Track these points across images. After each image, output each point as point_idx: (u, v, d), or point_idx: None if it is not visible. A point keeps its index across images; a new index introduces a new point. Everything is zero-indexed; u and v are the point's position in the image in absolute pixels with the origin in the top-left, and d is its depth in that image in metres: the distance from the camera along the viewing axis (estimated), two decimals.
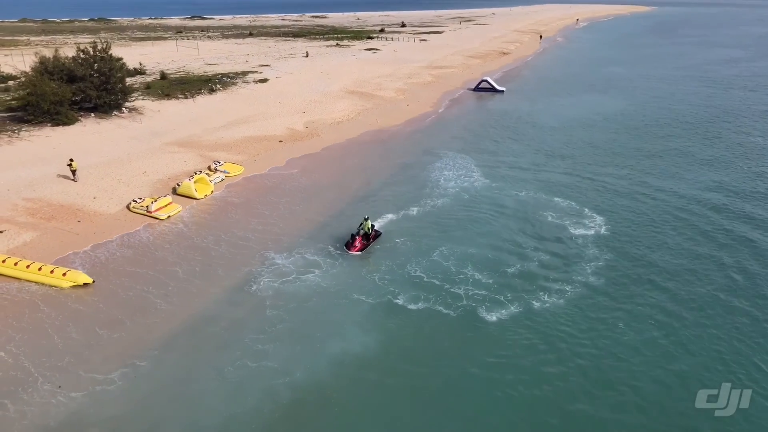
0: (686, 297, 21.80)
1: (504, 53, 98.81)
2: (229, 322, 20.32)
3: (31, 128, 39.03)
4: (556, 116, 54.28)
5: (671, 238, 27.33)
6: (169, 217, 27.97)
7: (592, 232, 28.00)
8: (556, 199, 32.31)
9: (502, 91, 64.86)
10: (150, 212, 27.74)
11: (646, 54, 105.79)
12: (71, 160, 31.10)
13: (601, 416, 15.11)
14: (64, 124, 40.15)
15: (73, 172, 30.93)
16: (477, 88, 65.62)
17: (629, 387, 16.30)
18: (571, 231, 27.98)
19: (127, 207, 28.50)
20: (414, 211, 30.21)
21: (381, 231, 27.05)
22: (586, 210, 30.64)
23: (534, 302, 21.65)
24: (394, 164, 38.36)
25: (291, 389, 17.02)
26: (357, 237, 25.34)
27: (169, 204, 28.70)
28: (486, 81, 65.80)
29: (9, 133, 37.86)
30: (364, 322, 20.49)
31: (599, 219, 29.42)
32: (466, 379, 17.71)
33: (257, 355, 18.57)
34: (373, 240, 26.23)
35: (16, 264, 22.29)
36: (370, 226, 25.99)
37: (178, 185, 30.99)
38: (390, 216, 29.40)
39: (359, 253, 25.02)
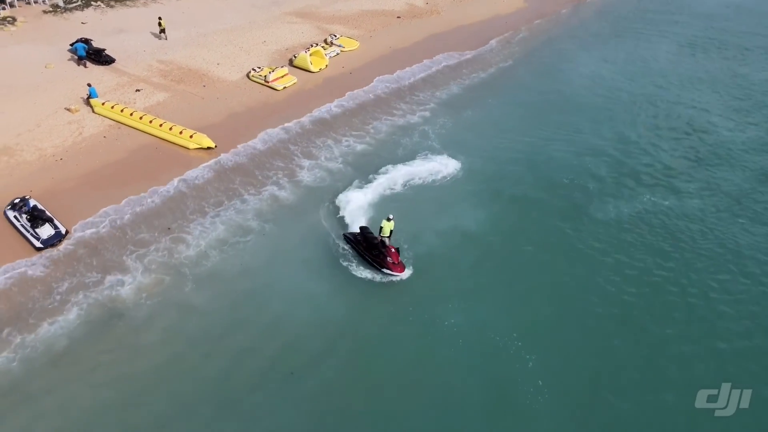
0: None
1: None
2: (344, 194, 21.26)
3: None
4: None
5: None
6: (285, 88, 28.39)
7: (739, 135, 24.44)
8: (704, 93, 28.23)
9: None
10: (267, 82, 28.30)
11: None
12: (160, 18, 32.36)
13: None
14: None
15: (162, 30, 32.21)
16: None
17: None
18: (721, 133, 24.73)
19: (247, 75, 29.26)
20: (540, 96, 28.29)
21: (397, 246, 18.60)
22: (739, 107, 26.53)
23: (644, 202, 21.05)
24: (529, 51, 35.29)
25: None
26: (388, 247, 18.02)
27: (285, 75, 29.00)
28: None
29: None
30: (474, 203, 20.95)
31: (754, 118, 25.44)
32: (562, 260, 18.68)
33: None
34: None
35: (151, 122, 24.17)
36: (383, 227, 18.24)
37: (295, 57, 30.98)
38: (517, 99, 27.97)
39: (403, 273, 17.82)
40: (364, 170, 22.82)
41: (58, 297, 16.32)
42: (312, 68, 30.33)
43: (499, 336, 15.92)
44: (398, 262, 17.80)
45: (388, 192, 21.55)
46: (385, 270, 17.68)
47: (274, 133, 24.84)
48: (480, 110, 27.52)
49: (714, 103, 28.01)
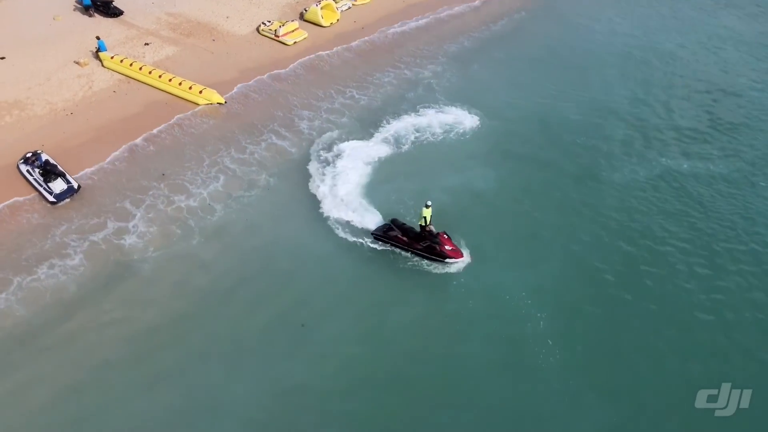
0: None
1: None
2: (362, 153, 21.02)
3: None
4: None
5: None
6: (295, 43, 27.83)
7: (764, 97, 23.62)
8: (727, 52, 27.16)
9: None
10: (277, 36, 27.74)
11: None
12: None
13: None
14: None
15: None
16: None
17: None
18: (745, 95, 23.98)
19: (257, 29, 28.67)
20: (553, 51, 27.73)
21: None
22: (764, 69, 25.53)
23: (661, 165, 20.71)
24: (543, 2, 34.05)
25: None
26: (440, 234, 16.84)
27: (295, 30, 28.37)
28: None
29: None
30: (483, 162, 20.70)
31: None
32: (573, 222, 18.64)
33: (386, 181, 19.54)
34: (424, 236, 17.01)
35: (160, 76, 23.91)
36: (426, 217, 16.96)
37: (306, 10, 30.17)
38: (528, 54, 27.35)
39: (464, 257, 16.86)
40: (367, 123, 22.68)
41: (57, 241, 16.79)
42: (323, 22, 29.57)
43: (509, 296, 16.01)
44: (455, 247, 16.82)
45: (394, 147, 21.36)
46: (447, 260, 16.60)
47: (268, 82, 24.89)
48: (490, 65, 26.86)
49: (737, 62, 26.92)
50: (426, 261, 16.92)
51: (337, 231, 17.85)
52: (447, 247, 16.61)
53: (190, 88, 23.33)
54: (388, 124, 22.41)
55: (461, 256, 16.75)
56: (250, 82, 24.65)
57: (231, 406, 13.34)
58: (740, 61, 27.24)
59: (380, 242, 17.49)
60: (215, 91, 23.36)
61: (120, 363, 14.05)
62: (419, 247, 16.83)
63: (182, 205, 18.41)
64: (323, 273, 16.61)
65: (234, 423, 13.06)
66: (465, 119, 22.80)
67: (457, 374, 14.28)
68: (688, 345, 15.18)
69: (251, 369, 14.14)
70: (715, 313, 15.93)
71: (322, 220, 18.30)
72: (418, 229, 17.02)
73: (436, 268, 16.81)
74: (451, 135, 22.08)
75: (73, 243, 16.73)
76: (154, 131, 21.34)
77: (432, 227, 16.91)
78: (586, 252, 17.57)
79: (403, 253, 17.20)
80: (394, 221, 17.59)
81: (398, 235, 17.12)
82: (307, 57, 26.71)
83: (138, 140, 20.82)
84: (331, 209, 18.53)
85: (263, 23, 28.64)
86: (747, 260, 17.45)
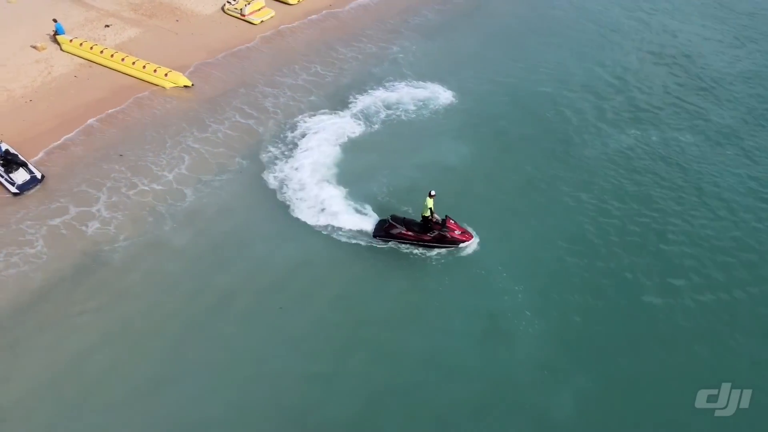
0: None
1: None
2: (330, 131, 20.73)
3: None
4: None
5: None
6: (262, 22, 27.20)
7: (730, 67, 24.02)
8: (694, 22, 27.55)
9: None
10: (244, 16, 27.06)
11: None
12: None
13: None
14: None
15: None
16: None
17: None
18: (712, 65, 24.32)
19: (222, 8, 27.91)
20: (520, 23, 27.85)
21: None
22: (731, 39, 25.97)
23: (630, 136, 20.87)
24: None
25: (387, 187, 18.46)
26: (446, 220, 16.37)
27: (262, 8, 27.72)
28: None
29: None
30: (454, 137, 20.61)
31: (744, 51, 25.00)
32: (545, 197, 18.74)
33: (357, 160, 19.34)
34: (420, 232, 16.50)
35: (123, 60, 23.17)
36: (432, 207, 16.29)
37: None
38: (496, 26, 27.05)
39: (474, 238, 16.66)
40: (335, 99, 22.47)
41: (14, 228, 16.40)
42: (291, 0, 28.91)
43: (485, 270, 16.13)
44: (464, 230, 16.48)
45: (365, 125, 21.16)
46: (460, 245, 16.36)
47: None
48: (454, 37, 26.68)
49: (705, 33, 27.22)
50: (436, 250, 16.53)
51: (310, 214, 17.62)
52: (456, 232, 16.28)
53: (155, 71, 22.68)
54: (356, 100, 22.17)
55: (471, 237, 16.49)
56: (211, 60, 24.20)
57: (210, 393, 13.29)
58: (707, 31, 27.48)
59: (392, 241, 16.67)
60: (181, 73, 22.78)
61: (94, 355, 13.77)
62: (428, 238, 16.33)
63: (146, 188, 18.03)
64: (298, 256, 16.47)
65: (214, 408, 13.04)
66: (437, 94, 22.63)
67: (437, 347, 14.40)
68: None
69: (230, 355, 14.07)
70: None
71: (293, 203, 18.05)
72: (419, 219, 16.51)
73: (418, 251, 16.74)
74: (421, 111, 21.93)
75: (30, 230, 16.27)
76: (110, 111, 20.87)
77: (436, 215, 16.40)
78: (557, 221, 17.69)
79: (408, 247, 16.75)
80: (393, 217, 16.73)
81: (403, 231, 16.44)
82: (270, 32, 26.27)
83: (92, 120, 20.33)
84: (297, 193, 18.19)
85: (228, 2, 27.88)
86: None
